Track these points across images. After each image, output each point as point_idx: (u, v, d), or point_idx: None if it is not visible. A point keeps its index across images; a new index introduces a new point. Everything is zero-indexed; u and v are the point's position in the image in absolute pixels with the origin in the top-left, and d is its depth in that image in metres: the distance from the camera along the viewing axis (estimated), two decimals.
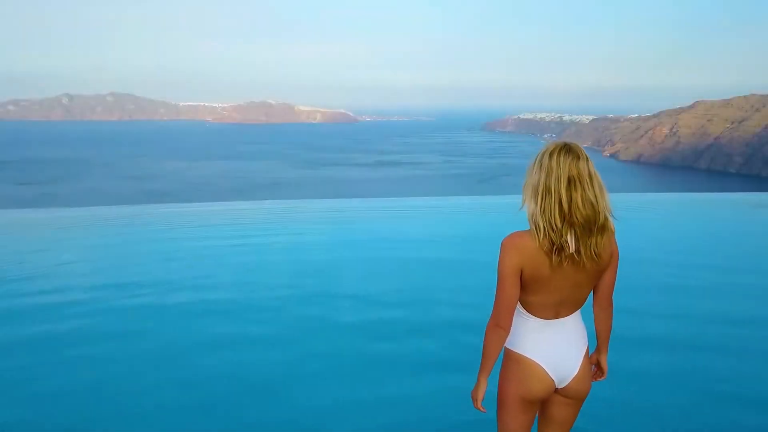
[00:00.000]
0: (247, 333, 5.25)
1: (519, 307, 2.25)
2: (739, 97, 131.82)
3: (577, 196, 2.08)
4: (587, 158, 2.14)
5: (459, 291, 6.35)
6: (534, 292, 2.18)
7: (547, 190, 2.10)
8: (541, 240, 2.10)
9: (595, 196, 2.10)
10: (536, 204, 2.12)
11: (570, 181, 2.09)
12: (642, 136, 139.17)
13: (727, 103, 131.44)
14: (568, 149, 2.14)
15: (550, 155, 2.14)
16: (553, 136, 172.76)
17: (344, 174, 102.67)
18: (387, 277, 6.99)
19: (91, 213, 13.72)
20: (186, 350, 4.88)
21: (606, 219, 2.14)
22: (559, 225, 2.08)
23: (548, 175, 2.12)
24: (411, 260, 7.78)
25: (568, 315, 2.26)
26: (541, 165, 2.15)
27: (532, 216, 2.14)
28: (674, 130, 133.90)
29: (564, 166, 2.10)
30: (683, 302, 5.94)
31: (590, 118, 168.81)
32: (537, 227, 2.11)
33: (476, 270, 7.07)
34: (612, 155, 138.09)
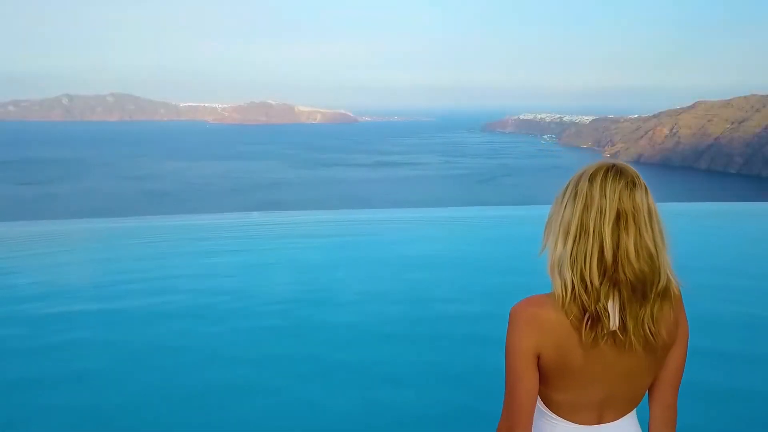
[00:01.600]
0: (244, 340, 5.22)
1: (542, 406, 1.59)
2: (740, 97, 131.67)
3: (629, 242, 1.41)
4: (646, 187, 1.47)
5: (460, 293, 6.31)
6: (562, 388, 1.51)
7: (584, 229, 1.44)
8: (566, 303, 1.44)
9: (655, 244, 1.44)
10: (565, 247, 1.46)
11: (620, 218, 1.42)
12: (642, 136, 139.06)
13: (727, 104, 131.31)
14: (617, 171, 1.46)
15: (591, 179, 1.46)
16: (553, 136, 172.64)
17: (344, 174, 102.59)
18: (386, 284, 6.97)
19: (78, 225, 13.68)
20: (186, 358, 4.84)
21: (669, 280, 1.47)
22: (597, 282, 1.41)
23: (587, 207, 1.44)
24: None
25: (617, 418, 1.57)
26: (576, 192, 1.47)
27: (557, 265, 1.48)
28: (674, 130, 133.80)
29: (612, 195, 1.43)
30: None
31: (590, 118, 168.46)
32: (563, 285, 1.45)
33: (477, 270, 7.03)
34: (612, 156, 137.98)
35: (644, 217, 1.43)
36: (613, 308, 1.43)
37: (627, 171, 1.46)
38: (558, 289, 1.46)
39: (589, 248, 1.42)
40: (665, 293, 1.46)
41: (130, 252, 8.80)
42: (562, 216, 1.48)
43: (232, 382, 4.31)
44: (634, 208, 1.42)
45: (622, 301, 1.43)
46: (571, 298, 1.43)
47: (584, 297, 1.42)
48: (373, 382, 4.29)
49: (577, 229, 1.44)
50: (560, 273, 1.46)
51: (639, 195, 1.44)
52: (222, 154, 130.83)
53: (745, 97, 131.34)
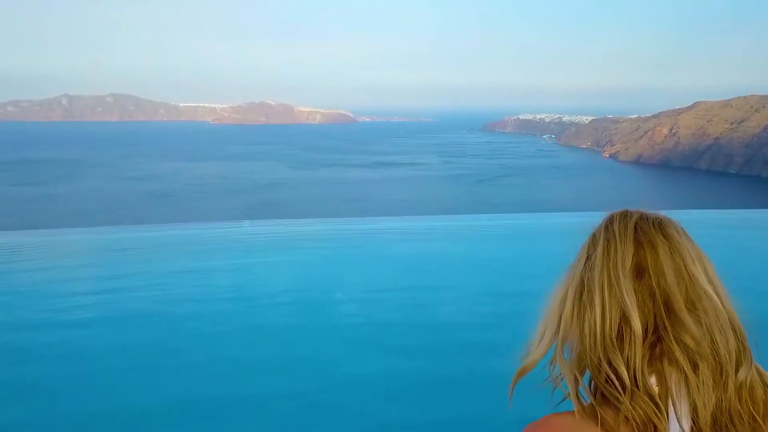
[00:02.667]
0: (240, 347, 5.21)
1: None
2: (739, 97, 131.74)
3: (671, 287, 0.91)
4: (681, 227, 1.01)
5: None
6: None
7: (587, 289, 0.95)
8: (577, 406, 0.93)
9: (715, 289, 0.94)
10: (560, 323, 0.97)
11: (644, 256, 0.94)
12: (642, 136, 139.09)
13: (727, 104, 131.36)
14: (626, 212, 1.02)
15: (594, 234, 1.03)
16: (553, 136, 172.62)
17: (343, 175, 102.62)
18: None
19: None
20: (182, 367, 4.83)
21: (756, 365, 0.95)
22: (621, 365, 0.88)
23: (588, 259, 0.99)
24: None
25: None
26: (576, 260, 1.03)
27: (552, 360, 0.99)
28: (674, 130, 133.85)
29: (623, 231, 0.97)
30: None
31: (590, 118, 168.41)
32: (567, 386, 0.95)
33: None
34: (612, 156, 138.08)
35: (687, 250, 0.95)
36: (677, 404, 0.86)
37: (648, 212, 1.01)
38: (576, 399, 0.93)
39: (599, 314, 0.91)
40: (756, 384, 0.91)
41: (120, 260, 8.74)
42: (557, 292, 1.01)
43: (228, 393, 4.29)
44: (666, 238, 0.94)
45: (688, 385, 0.87)
46: (576, 399, 0.93)
47: (613, 394, 0.88)
48: (373, 391, 4.27)
49: (575, 293, 0.96)
50: (553, 369, 0.98)
51: (673, 230, 0.97)
52: (222, 154, 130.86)
53: (744, 97, 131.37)
